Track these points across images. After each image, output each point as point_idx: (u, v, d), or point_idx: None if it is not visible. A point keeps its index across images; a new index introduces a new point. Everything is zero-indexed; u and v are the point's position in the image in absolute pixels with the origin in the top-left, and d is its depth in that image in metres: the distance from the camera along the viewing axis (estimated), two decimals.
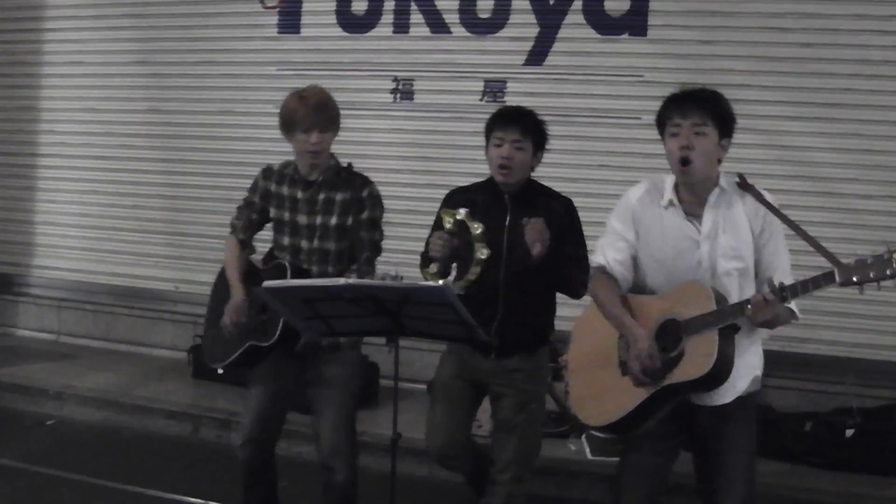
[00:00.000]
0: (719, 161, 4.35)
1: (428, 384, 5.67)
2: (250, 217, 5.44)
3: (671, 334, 4.24)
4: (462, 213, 5.07)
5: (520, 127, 5.28)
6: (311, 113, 5.09)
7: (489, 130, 5.37)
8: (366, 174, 5.34)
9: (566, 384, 7.29)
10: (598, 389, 4.52)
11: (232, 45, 9.33)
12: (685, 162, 4.23)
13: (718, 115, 4.29)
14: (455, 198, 5.47)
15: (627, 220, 4.53)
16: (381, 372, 8.11)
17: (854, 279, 3.78)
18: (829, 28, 7.71)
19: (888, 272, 3.74)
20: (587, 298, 4.84)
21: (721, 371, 4.09)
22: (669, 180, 4.45)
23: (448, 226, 5.06)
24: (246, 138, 9.12)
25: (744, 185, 4.35)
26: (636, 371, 4.24)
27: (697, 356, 4.11)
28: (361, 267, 5.06)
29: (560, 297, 5.41)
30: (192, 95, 9.50)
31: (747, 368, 4.36)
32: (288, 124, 5.19)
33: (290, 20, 9.12)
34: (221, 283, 5.51)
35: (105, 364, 9.26)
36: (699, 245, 4.32)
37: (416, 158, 8.70)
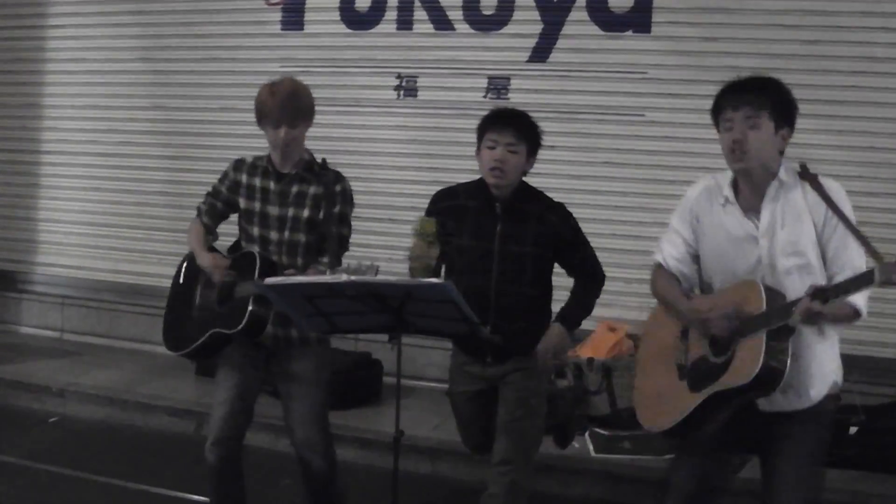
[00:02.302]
0: (781, 153, 4.24)
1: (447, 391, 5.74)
2: (215, 205, 5.50)
3: (726, 336, 4.14)
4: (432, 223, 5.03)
5: (514, 129, 5.19)
6: (279, 108, 5.11)
7: (482, 132, 5.29)
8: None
9: (570, 383, 7.33)
10: (657, 393, 4.46)
11: (235, 42, 9.33)
12: (738, 154, 4.12)
13: (774, 104, 4.17)
14: (442, 202, 5.45)
15: (685, 217, 4.45)
16: (384, 369, 8.09)
17: (894, 278, 3.59)
18: (833, 25, 7.70)
19: None
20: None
21: (770, 377, 3.93)
22: (728, 175, 4.33)
23: (430, 240, 4.98)
24: (249, 135, 9.01)
25: (805, 174, 4.20)
26: (720, 332, 4.12)
27: (746, 362, 3.98)
28: (331, 261, 5.02)
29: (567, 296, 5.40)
30: (195, 92, 9.51)
31: (821, 374, 4.20)
32: (259, 117, 5.24)
33: (294, 17, 9.12)
34: (182, 271, 5.59)
35: (108, 361, 9.27)
36: (758, 242, 4.19)
37: (419, 155, 8.68)
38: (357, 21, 8.93)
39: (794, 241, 4.13)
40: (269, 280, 4.47)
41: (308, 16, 9.12)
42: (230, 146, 9.11)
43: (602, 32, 8.29)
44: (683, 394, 4.25)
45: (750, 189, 4.26)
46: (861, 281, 3.73)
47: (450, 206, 5.36)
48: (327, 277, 4.56)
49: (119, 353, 9.61)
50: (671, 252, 4.50)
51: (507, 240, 5.16)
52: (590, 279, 5.39)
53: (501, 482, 5.10)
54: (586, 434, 7.17)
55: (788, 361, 3.95)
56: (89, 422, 8.01)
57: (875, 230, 7.29)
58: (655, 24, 8.14)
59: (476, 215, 5.25)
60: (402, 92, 8.85)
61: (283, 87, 5.19)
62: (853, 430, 6.84)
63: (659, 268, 4.55)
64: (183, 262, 5.64)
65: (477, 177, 5.37)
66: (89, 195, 9.96)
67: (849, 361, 7.48)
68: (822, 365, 4.20)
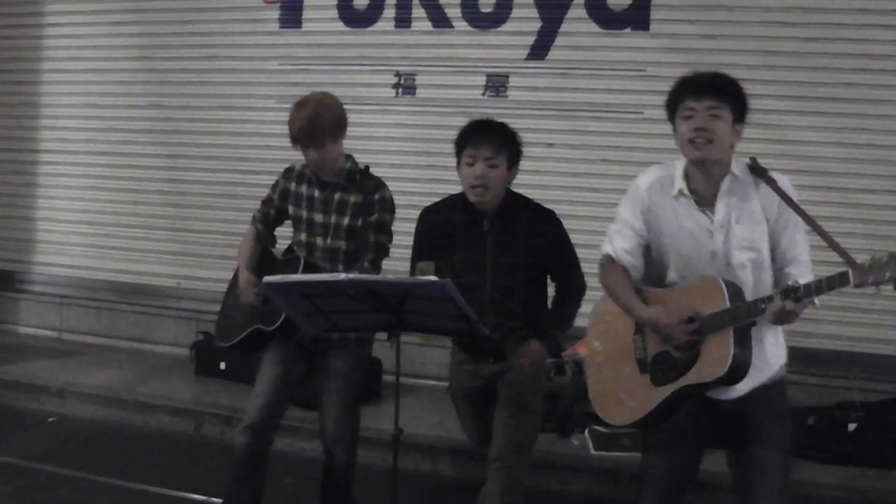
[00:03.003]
0: (732, 147, 4.22)
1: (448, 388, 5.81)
2: (268, 212, 5.61)
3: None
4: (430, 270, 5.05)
5: (492, 142, 5.13)
6: (303, 134, 5.16)
7: (459, 148, 5.24)
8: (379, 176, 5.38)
9: (569, 379, 7.33)
10: (618, 388, 4.44)
11: (233, 40, 9.32)
12: (702, 141, 4.10)
13: (735, 99, 4.17)
14: (431, 218, 5.46)
15: (636, 208, 4.41)
16: (384, 367, 8.08)
17: (870, 280, 3.62)
18: (832, 22, 7.70)
19: None
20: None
21: (738, 371, 4.00)
22: (679, 167, 4.31)
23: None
24: (248, 133, 9.12)
25: (756, 169, 4.22)
26: (681, 340, 4.15)
27: (713, 357, 4.02)
28: (365, 268, 5.13)
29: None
30: (193, 90, 9.50)
31: (765, 360, 4.23)
32: (290, 138, 5.26)
33: (292, 15, 9.11)
34: (237, 272, 5.70)
35: (107, 361, 9.24)
36: (713, 235, 4.20)
37: (418, 153, 8.68)
38: (355, 19, 8.93)
39: (749, 236, 4.17)
40: (268, 278, 4.48)
41: (306, 13, 9.11)
42: (228, 144, 9.15)
43: (600, 30, 8.28)
44: (648, 388, 4.28)
45: (704, 182, 4.25)
46: (836, 282, 3.74)
47: (439, 221, 5.39)
48: (326, 276, 4.58)
49: (118, 352, 9.58)
50: (621, 245, 4.47)
51: (498, 253, 5.21)
52: (569, 291, 5.46)
53: (498, 478, 5.09)
54: (586, 432, 7.17)
55: (752, 353, 4.05)
56: (89, 421, 7.98)
57: (874, 227, 7.34)
58: (654, 22, 8.14)
59: (465, 230, 5.28)
60: (400, 90, 8.85)
61: (306, 111, 5.19)
62: (852, 426, 6.85)
63: (609, 261, 4.53)
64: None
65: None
66: (87, 194, 9.96)
67: (848, 358, 7.58)
68: (766, 349, 4.27)
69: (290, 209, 5.47)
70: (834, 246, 3.83)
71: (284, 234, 5.64)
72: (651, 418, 4.29)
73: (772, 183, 4.15)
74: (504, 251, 5.19)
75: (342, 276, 4.35)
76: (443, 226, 5.33)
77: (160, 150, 9.64)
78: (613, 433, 6.94)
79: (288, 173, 5.53)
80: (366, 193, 5.28)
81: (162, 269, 9.67)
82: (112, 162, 9.80)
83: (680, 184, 4.29)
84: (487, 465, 5.22)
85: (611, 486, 6.72)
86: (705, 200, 4.25)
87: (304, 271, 5.16)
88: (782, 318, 3.90)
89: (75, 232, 10.07)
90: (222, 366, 8.47)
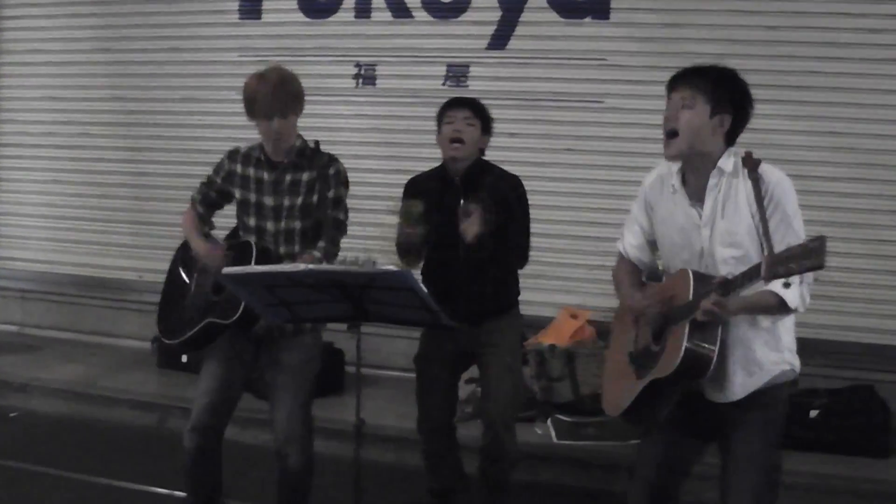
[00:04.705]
0: (716, 138, 4.18)
1: (414, 357, 5.90)
2: (209, 194, 5.45)
3: (658, 326, 4.21)
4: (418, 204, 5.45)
5: (469, 108, 5.72)
6: (270, 100, 5.05)
7: (440, 116, 5.79)
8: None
9: (532, 368, 7.34)
10: (614, 378, 4.52)
11: (193, 32, 9.28)
12: (670, 134, 4.14)
13: (713, 88, 4.13)
14: (415, 187, 5.82)
15: (641, 205, 4.48)
16: (347, 358, 8.08)
17: (779, 271, 3.52)
18: (795, 11, 7.72)
19: (806, 263, 3.46)
20: None
21: (694, 365, 3.95)
22: (675, 164, 4.32)
23: (416, 220, 5.41)
24: (209, 125, 9.08)
25: (747, 162, 4.14)
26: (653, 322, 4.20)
27: (671, 350, 4.02)
28: (326, 247, 5.04)
29: (529, 283, 5.57)
30: (154, 83, 9.44)
31: (755, 361, 4.14)
32: (249, 109, 5.17)
33: (252, 6, 9.08)
34: (178, 259, 5.64)
35: (70, 355, 9.22)
36: (700, 231, 4.17)
37: (379, 144, 8.68)
38: (315, 10, 8.91)
39: (731, 231, 4.11)
40: (228, 269, 4.47)
41: (266, 4, 9.08)
42: (190, 136, 9.11)
43: (561, 19, 8.28)
44: (632, 379, 4.30)
45: (695, 177, 4.24)
46: (753, 274, 3.73)
47: (420, 189, 5.72)
48: (287, 266, 4.56)
49: (81, 346, 9.55)
50: (630, 240, 4.54)
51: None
52: (511, 252, 5.72)
53: (492, 438, 5.63)
54: (548, 421, 7.18)
55: (716, 349, 3.96)
56: (52, 416, 7.96)
57: (839, 215, 7.38)
58: (614, 11, 8.14)
59: (439, 194, 5.67)
60: (360, 80, 8.83)
61: (272, 76, 5.13)
62: (814, 413, 6.90)
63: (620, 257, 4.61)
64: (178, 251, 5.67)
65: (439, 164, 5.80)
66: (49, 188, 9.89)
67: (811, 345, 7.58)
68: (753, 352, 4.16)
69: (237, 192, 5.33)
70: (765, 237, 3.76)
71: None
72: (632, 410, 4.30)
73: (754, 177, 4.07)
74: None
75: (303, 266, 4.33)
76: (422, 192, 5.65)
77: (121, 143, 9.59)
78: (577, 422, 6.97)
79: (233, 155, 5.38)
80: (320, 168, 5.18)
81: (124, 263, 9.62)
82: (73, 155, 9.75)
83: (674, 179, 4.30)
84: (484, 420, 5.71)
85: (581, 475, 6.75)
86: (697, 195, 4.23)
87: (258, 256, 5.05)
88: (706, 313, 3.86)
89: (37, 226, 10.00)
90: (184, 359, 8.43)
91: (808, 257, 3.44)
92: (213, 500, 5.45)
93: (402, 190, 5.78)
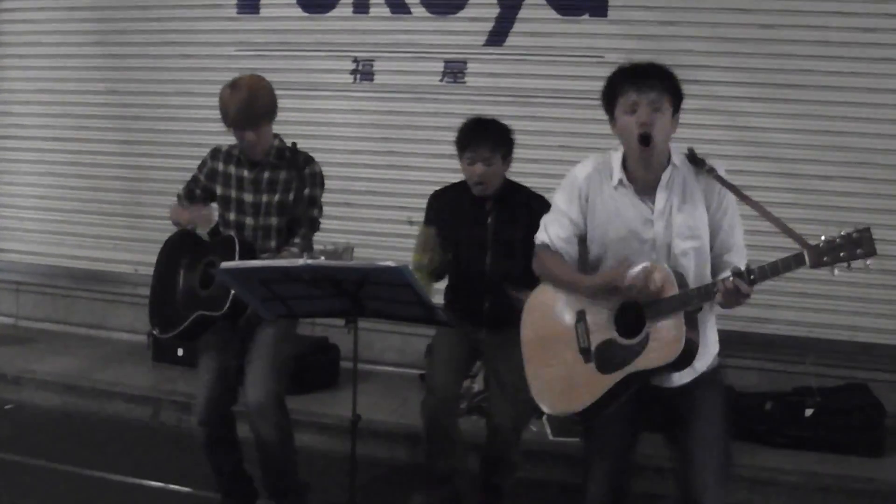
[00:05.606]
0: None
1: (427, 347, 5.96)
2: (193, 191, 5.68)
3: (631, 318, 4.18)
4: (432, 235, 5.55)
5: (488, 145, 5.69)
6: (242, 116, 5.24)
7: (460, 147, 5.80)
8: (324, 155, 5.46)
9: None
10: (562, 378, 4.41)
11: (190, 26, 9.24)
12: (646, 141, 4.14)
13: (674, 92, 4.22)
14: (438, 202, 5.96)
15: (573, 198, 4.47)
16: (342, 353, 8.08)
17: (825, 260, 3.70)
18: (788, 9, 7.72)
19: (858, 252, 3.69)
20: None
21: (688, 355, 4.02)
22: (617, 157, 4.38)
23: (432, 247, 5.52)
24: (205, 119, 9.02)
25: (693, 159, 4.27)
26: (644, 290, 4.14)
27: (664, 342, 4.03)
28: (302, 242, 5.12)
29: None
30: (150, 76, 9.41)
31: (705, 347, 4.23)
32: (223, 119, 5.35)
33: (250, 0, 9.06)
34: (165, 254, 5.78)
35: (64, 348, 9.19)
36: (653, 224, 4.23)
37: (376, 139, 8.63)
38: (313, 4, 8.87)
39: (691, 224, 4.21)
40: (226, 264, 4.48)
41: None
42: (186, 130, 9.09)
43: (558, 16, 8.26)
44: (594, 376, 4.26)
45: (644, 172, 4.28)
46: (793, 263, 3.79)
47: (447, 200, 5.90)
48: (283, 261, 4.59)
49: (75, 339, 9.54)
50: (558, 233, 4.51)
51: (498, 228, 5.76)
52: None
53: (504, 440, 5.75)
54: (543, 418, 7.18)
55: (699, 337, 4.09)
56: (45, 409, 7.96)
57: (829, 213, 7.38)
58: (612, 8, 8.12)
59: (470, 208, 5.82)
60: (358, 76, 8.80)
61: (240, 93, 5.26)
62: (809, 411, 6.91)
63: (545, 248, 4.55)
64: (163, 247, 5.83)
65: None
66: (44, 180, 9.86)
67: (805, 344, 7.62)
68: (708, 337, 4.31)
69: (219, 189, 5.54)
70: (786, 230, 3.86)
71: None
72: (598, 405, 4.28)
73: (712, 172, 4.19)
74: (503, 228, 5.73)
75: (300, 261, 4.34)
76: (450, 203, 5.87)
77: (117, 136, 9.57)
78: (572, 419, 6.97)
79: (215, 154, 5.62)
80: (297, 168, 5.36)
81: (119, 256, 9.59)
82: (69, 148, 9.72)
83: (619, 173, 4.34)
84: (490, 425, 5.81)
85: (570, 472, 6.74)
86: (645, 190, 4.28)
87: (241, 249, 5.16)
88: (733, 300, 3.93)
89: (31, 218, 9.97)
90: (180, 352, 8.43)
91: (859, 245, 3.68)
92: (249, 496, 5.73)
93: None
